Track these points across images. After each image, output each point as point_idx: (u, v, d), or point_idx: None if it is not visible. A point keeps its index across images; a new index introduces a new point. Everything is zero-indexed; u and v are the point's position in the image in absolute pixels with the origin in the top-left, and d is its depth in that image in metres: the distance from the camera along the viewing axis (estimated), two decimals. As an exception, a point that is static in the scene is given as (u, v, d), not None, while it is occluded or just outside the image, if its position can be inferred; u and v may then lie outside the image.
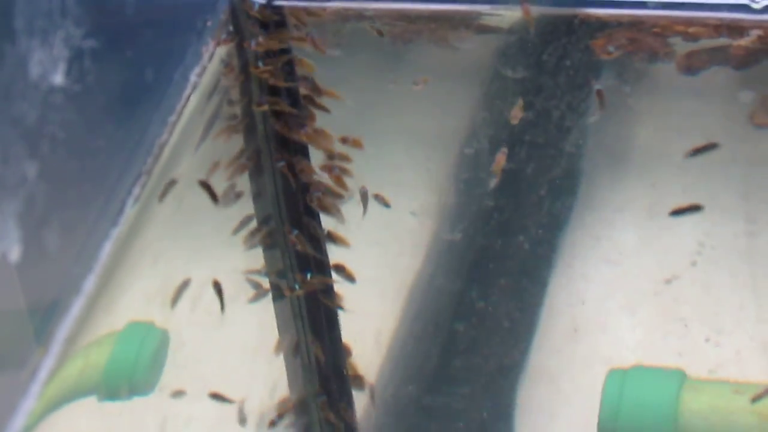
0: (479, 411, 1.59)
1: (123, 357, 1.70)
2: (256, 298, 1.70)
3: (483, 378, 1.62)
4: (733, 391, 1.54)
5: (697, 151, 1.83)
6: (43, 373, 1.69)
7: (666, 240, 1.75)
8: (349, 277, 1.69)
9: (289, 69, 1.91)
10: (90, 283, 1.78)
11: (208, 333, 1.73)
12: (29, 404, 1.66)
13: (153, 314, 1.75)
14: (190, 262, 1.80)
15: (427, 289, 1.74)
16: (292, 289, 1.63)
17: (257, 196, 1.82)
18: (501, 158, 1.82)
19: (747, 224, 1.75)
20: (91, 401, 1.68)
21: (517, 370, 1.63)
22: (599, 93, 1.88)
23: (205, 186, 1.85)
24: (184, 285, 1.77)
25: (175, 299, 1.76)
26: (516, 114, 1.87)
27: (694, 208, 1.77)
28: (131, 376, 1.68)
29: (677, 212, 1.77)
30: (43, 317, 1.71)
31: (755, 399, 1.52)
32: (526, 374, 1.62)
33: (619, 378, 1.57)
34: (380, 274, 1.74)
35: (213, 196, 1.84)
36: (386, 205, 1.79)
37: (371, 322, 1.69)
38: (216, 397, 1.63)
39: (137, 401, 1.67)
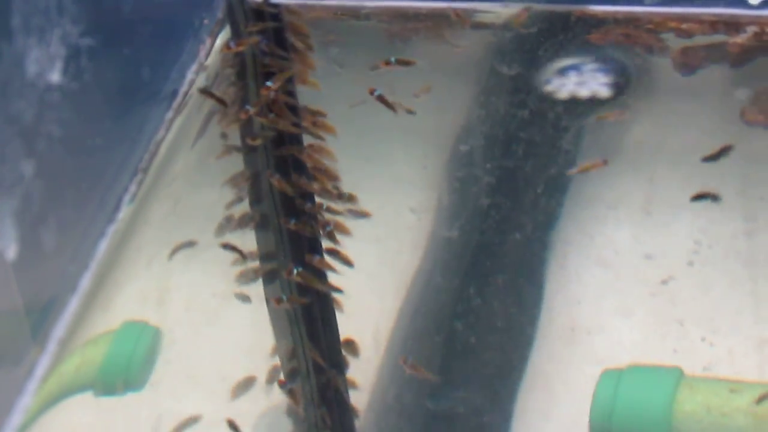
0: (480, 413, 1.59)
1: (119, 354, 1.70)
2: (248, 281, 1.70)
3: (483, 379, 1.62)
4: (730, 390, 1.54)
5: (712, 158, 1.82)
6: (39, 371, 1.69)
7: (662, 238, 1.75)
8: (346, 261, 1.66)
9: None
10: (86, 281, 1.79)
11: (202, 331, 1.73)
12: (26, 401, 1.66)
13: (148, 312, 1.75)
14: (186, 260, 1.80)
15: (425, 287, 1.74)
16: (280, 300, 1.60)
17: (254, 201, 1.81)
18: (597, 163, 1.81)
19: (745, 222, 1.75)
20: (86, 398, 1.68)
21: (518, 371, 1.63)
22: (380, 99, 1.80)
23: (206, 93, 1.85)
24: (189, 244, 1.78)
25: (173, 253, 1.76)
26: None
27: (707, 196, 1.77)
28: (126, 372, 1.68)
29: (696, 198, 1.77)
30: (40, 315, 1.72)
31: (760, 401, 1.52)
32: (525, 375, 1.63)
33: (610, 379, 1.57)
34: (379, 270, 1.74)
35: (220, 101, 1.77)
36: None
37: (370, 319, 1.69)
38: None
39: (131, 397, 1.67)
